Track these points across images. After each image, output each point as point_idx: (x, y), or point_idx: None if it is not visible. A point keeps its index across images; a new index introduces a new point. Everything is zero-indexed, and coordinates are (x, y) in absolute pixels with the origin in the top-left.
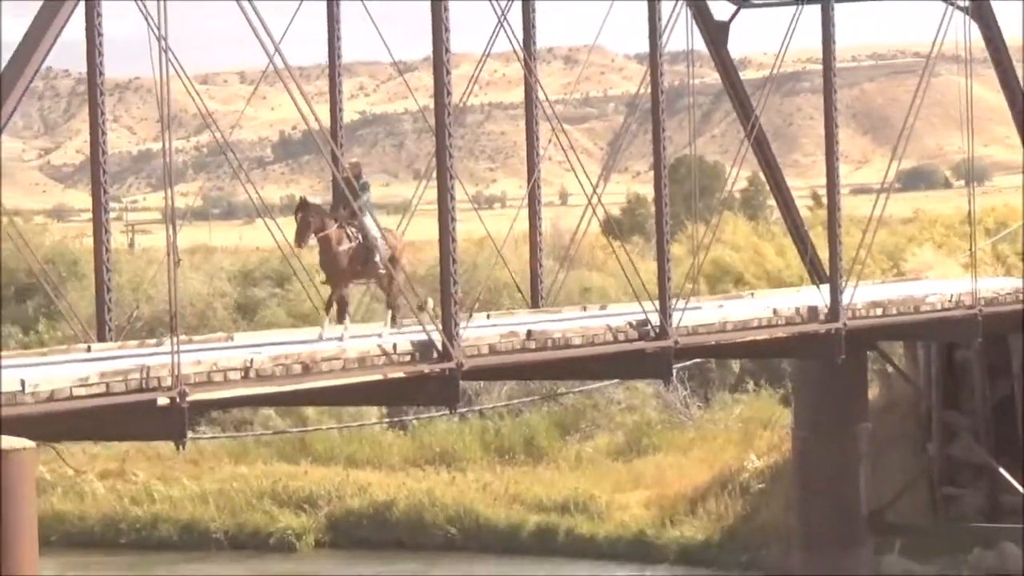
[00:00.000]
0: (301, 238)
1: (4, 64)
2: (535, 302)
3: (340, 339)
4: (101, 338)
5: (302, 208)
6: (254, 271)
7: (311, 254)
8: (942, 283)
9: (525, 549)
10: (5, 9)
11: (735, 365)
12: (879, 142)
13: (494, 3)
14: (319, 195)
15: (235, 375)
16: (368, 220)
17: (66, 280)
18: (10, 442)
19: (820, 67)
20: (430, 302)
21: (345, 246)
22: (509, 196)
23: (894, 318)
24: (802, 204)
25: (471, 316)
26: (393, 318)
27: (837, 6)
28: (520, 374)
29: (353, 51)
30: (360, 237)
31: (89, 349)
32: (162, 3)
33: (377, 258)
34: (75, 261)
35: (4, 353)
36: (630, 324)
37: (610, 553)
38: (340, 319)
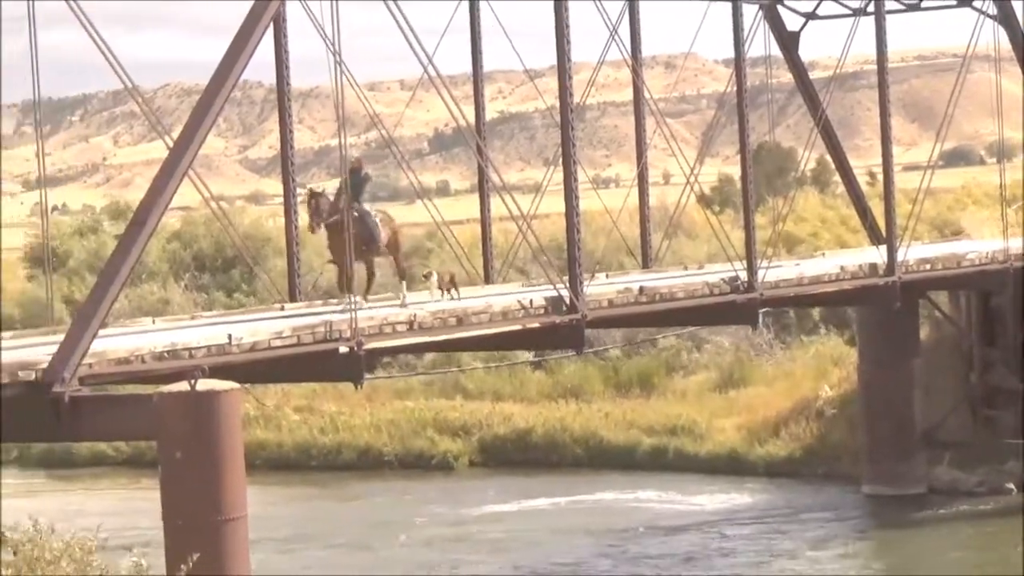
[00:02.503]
0: (314, 222)
1: None
2: (645, 263)
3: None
4: (292, 299)
5: (313, 199)
6: (413, 244)
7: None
8: (979, 243)
9: (640, 466)
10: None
11: (812, 313)
12: (925, 128)
13: (606, 19)
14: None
15: (402, 327)
16: (368, 207)
17: (262, 253)
18: (221, 384)
19: (875, 67)
20: (434, 274)
21: (352, 230)
22: (622, 178)
23: (940, 272)
24: (861, 180)
25: (593, 276)
26: (347, 288)
27: (888, 17)
28: (633, 322)
29: (492, 61)
30: (363, 222)
31: (283, 308)
32: (336, 26)
33: (378, 237)
34: (268, 238)
35: (214, 312)
36: (723, 280)
37: (710, 468)
38: (348, 289)
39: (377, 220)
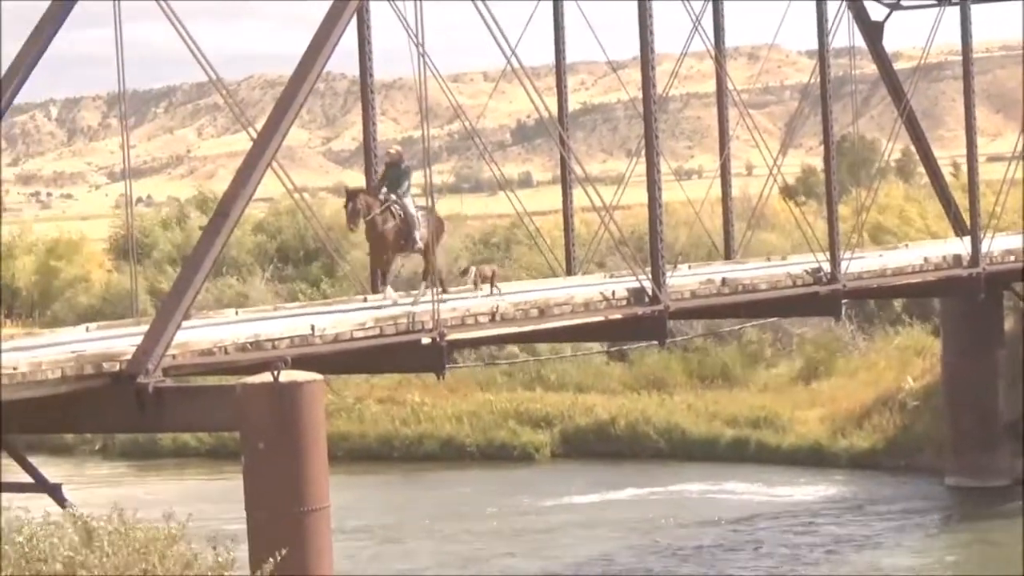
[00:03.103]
0: (352, 222)
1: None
2: (727, 255)
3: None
4: (374, 290)
5: (351, 197)
6: (495, 235)
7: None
8: None
9: (722, 458)
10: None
11: (895, 304)
12: (1009, 118)
13: (690, 10)
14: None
15: (484, 319)
16: (408, 201)
17: (344, 244)
18: (303, 375)
19: (960, 58)
20: (472, 270)
21: (390, 224)
22: (704, 169)
23: None
24: (945, 171)
25: (675, 267)
26: (435, 282)
27: (972, 7)
28: (716, 314)
29: (575, 52)
30: (403, 215)
31: (365, 299)
32: (420, 18)
33: (417, 234)
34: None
35: (296, 303)
36: (806, 271)
37: (791, 460)
38: (384, 283)
39: (419, 215)
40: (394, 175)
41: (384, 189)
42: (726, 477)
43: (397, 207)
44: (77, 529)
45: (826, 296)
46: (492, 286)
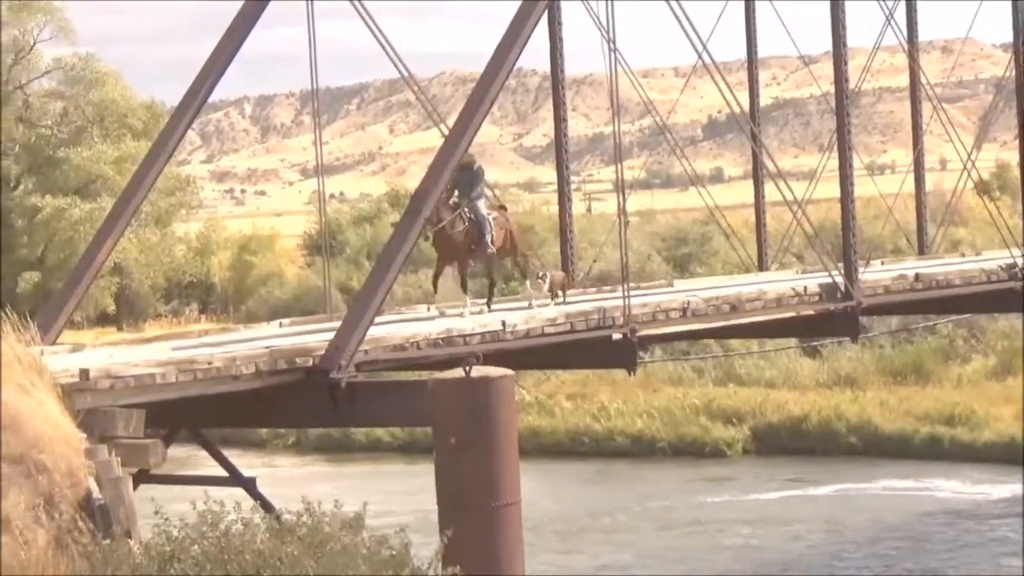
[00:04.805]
0: (424, 230)
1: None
2: (920, 250)
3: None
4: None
5: None
6: (688, 230)
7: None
8: None
9: (915, 455)
10: None
11: None
12: None
13: (883, 5)
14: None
15: (675, 314)
16: (479, 205)
17: (535, 240)
18: (495, 371)
19: None
20: (548, 276)
21: (460, 228)
22: (897, 164)
23: None
24: None
25: (868, 263)
26: (490, 294)
27: None
28: (909, 310)
29: (766, 47)
30: (472, 218)
31: (551, 297)
32: (611, 14)
33: (488, 238)
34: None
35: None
36: (1000, 267)
37: (986, 457)
38: (464, 291)
39: (491, 219)
40: (466, 179)
41: (455, 193)
42: (921, 474)
43: (467, 211)
44: (268, 524)
45: (1022, 292)
46: (563, 293)
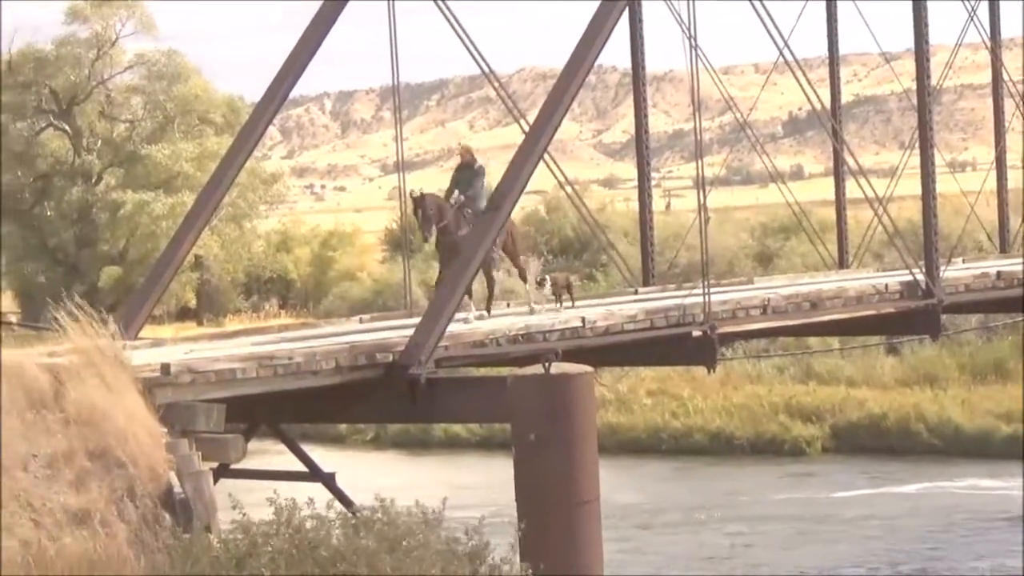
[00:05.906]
0: (426, 230)
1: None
2: (1002, 248)
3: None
4: (646, 283)
5: (420, 204)
6: (770, 226)
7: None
8: None
9: (996, 454)
10: None
11: None
12: None
13: (966, 3)
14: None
15: (755, 311)
16: (481, 204)
17: (615, 237)
18: (574, 368)
19: None
20: (547, 280)
21: (464, 231)
22: (979, 161)
23: None
24: None
25: (949, 261)
26: (490, 297)
27: None
28: (990, 308)
29: (847, 44)
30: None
31: (636, 292)
32: (692, 11)
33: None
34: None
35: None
36: None
37: None
38: (469, 296)
39: None
40: (466, 177)
41: (456, 192)
42: (1003, 474)
43: (469, 211)
44: (343, 520)
45: None
46: (570, 295)
